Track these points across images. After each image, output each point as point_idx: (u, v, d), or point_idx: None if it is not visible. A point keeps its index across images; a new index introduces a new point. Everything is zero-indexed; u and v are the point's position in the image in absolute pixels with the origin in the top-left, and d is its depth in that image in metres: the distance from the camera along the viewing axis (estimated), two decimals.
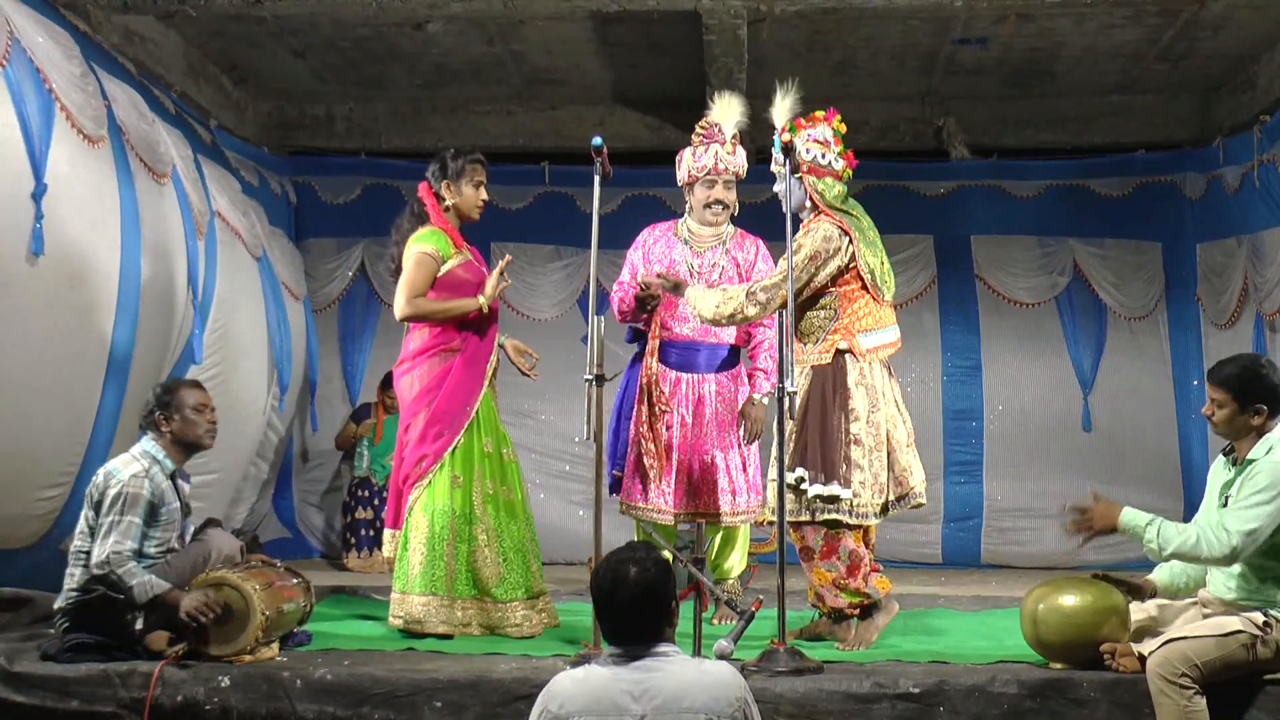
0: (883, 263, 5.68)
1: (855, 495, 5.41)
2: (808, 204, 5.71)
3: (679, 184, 6.27)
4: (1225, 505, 4.62)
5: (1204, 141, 9.66)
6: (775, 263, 5.94)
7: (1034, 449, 9.76)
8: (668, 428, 6.04)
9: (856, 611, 5.52)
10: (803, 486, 5.39)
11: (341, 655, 5.15)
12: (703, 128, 6.14)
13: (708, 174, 6.09)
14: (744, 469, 6.10)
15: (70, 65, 6.08)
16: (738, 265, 6.14)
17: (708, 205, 6.13)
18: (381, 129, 10.28)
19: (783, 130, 5.62)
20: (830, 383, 5.49)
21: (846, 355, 5.53)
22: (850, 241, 5.55)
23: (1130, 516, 4.57)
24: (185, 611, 4.84)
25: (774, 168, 5.80)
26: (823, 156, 5.68)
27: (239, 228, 8.15)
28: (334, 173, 10.19)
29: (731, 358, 6.21)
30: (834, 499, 5.39)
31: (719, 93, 6.29)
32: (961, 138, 9.93)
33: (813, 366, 5.54)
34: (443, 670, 4.84)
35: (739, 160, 6.12)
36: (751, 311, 5.56)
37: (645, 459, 5.99)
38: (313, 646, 5.38)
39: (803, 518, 5.46)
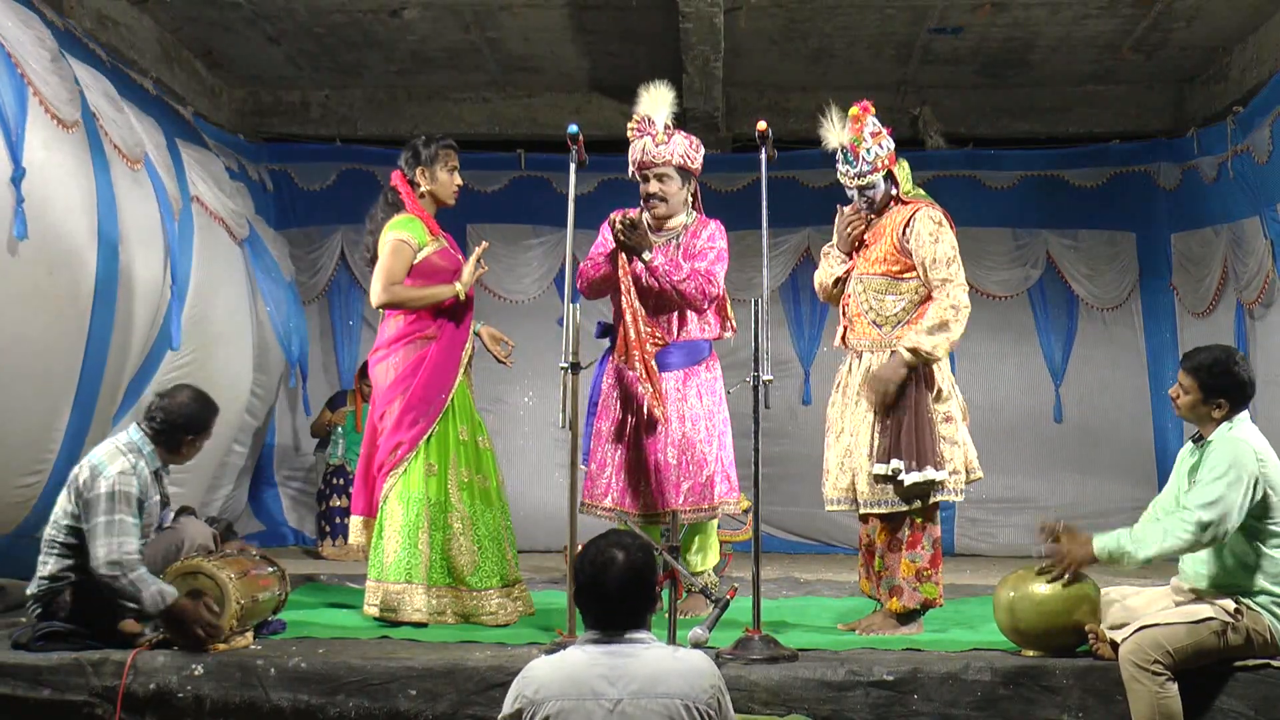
0: None
1: (955, 471, 5.40)
2: (891, 191, 5.71)
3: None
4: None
5: (1178, 132, 9.71)
6: (717, 243, 5.85)
7: (1005, 441, 9.73)
8: (615, 423, 5.97)
9: (923, 611, 5.48)
10: (900, 477, 5.32)
11: (316, 643, 5.14)
12: (635, 122, 5.96)
13: (640, 169, 5.94)
14: (706, 464, 5.85)
15: (42, 50, 6.03)
16: (689, 257, 5.88)
17: (645, 199, 5.96)
18: (357, 116, 10.26)
19: (852, 147, 5.61)
20: (917, 368, 5.41)
21: None
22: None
23: (1103, 542, 4.60)
24: (193, 627, 4.82)
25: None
26: (883, 146, 5.65)
27: (220, 212, 8.11)
28: (309, 159, 10.17)
29: (698, 351, 5.98)
30: (931, 483, 5.33)
31: (653, 85, 5.97)
32: (937, 127, 9.97)
33: (894, 353, 5.44)
34: (417, 658, 4.83)
35: (669, 151, 5.86)
36: (957, 329, 5.39)
37: (599, 455, 5.97)
38: (287, 635, 5.37)
39: (899, 508, 5.39)
